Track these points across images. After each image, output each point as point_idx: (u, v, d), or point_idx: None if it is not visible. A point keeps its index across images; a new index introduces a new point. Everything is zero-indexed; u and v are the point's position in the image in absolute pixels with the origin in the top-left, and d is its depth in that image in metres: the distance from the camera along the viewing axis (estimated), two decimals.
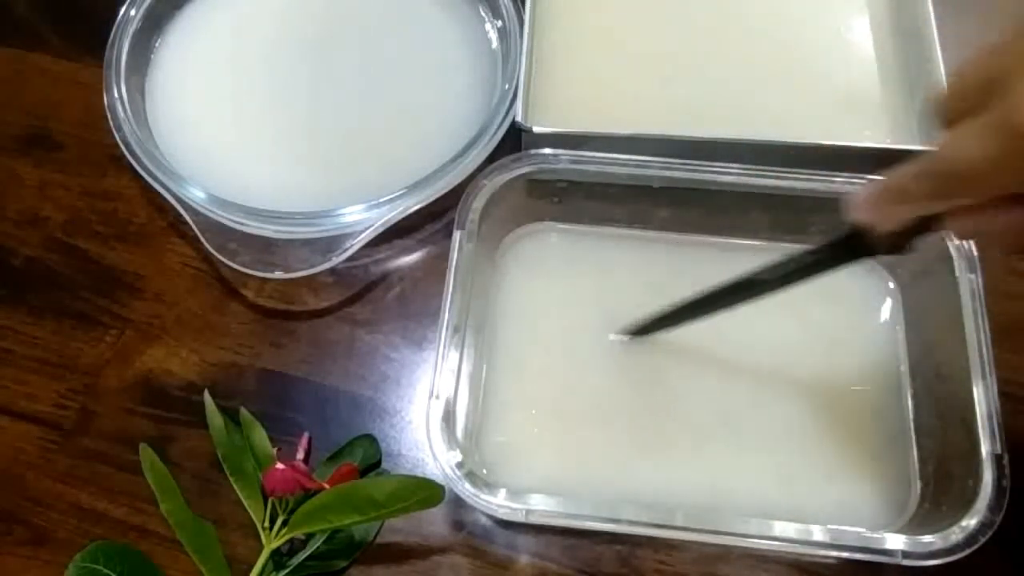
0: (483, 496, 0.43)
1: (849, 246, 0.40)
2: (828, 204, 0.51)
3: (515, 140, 0.54)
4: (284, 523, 0.45)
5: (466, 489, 0.43)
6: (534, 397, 0.50)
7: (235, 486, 0.47)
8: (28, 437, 0.51)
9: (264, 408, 0.50)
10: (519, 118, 0.52)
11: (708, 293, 0.47)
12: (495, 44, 0.61)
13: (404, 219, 0.53)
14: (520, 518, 0.43)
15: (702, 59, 0.57)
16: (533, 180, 0.52)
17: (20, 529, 0.48)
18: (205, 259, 0.56)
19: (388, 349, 0.53)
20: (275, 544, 0.45)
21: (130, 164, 0.56)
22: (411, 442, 0.50)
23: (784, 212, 0.52)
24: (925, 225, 0.36)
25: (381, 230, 0.53)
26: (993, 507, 0.41)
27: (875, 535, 0.41)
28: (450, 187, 0.54)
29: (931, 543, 0.41)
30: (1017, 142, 0.29)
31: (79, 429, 0.51)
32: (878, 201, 0.36)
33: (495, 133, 0.55)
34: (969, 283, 0.46)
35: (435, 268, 0.53)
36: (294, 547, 0.46)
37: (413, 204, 0.53)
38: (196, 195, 0.54)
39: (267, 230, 0.53)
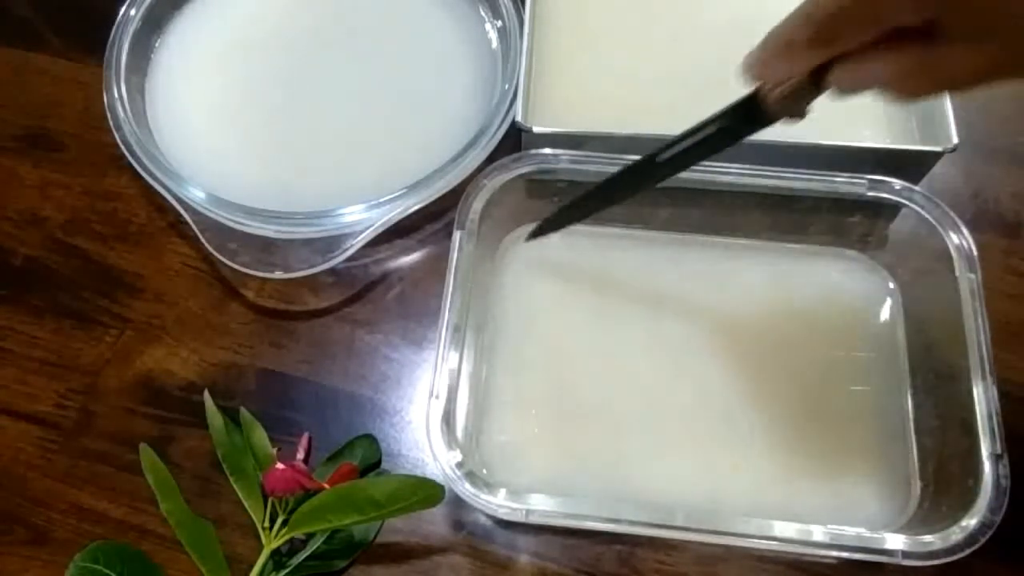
0: (483, 496, 0.43)
1: (747, 113, 0.40)
2: (828, 204, 0.51)
3: (515, 140, 0.54)
4: (284, 523, 0.45)
5: (466, 489, 0.43)
6: (534, 397, 0.50)
7: (235, 486, 0.47)
8: (28, 437, 0.51)
9: (264, 408, 0.50)
10: (519, 118, 0.52)
11: (610, 179, 0.47)
12: (495, 44, 0.61)
13: (404, 219, 0.53)
14: (520, 518, 0.43)
15: (702, 59, 0.57)
16: (533, 180, 0.52)
17: (20, 529, 0.48)
18: (205, 259, 0.56)
19: (388, 349, 0.53)
20: (275, 544, 0.45)
21: (130, 164, 0.56)
22: (411, 442, 0.50)
23: (784, 212, 0.52)
24: (815, 83, 0.36)
25: (381, 230, 0.53)
26: (993, 507, 0.41)
27: (875, 535, 0.41)
28: (450, 187, 0.54)
29: (931, 543, 0.41)
30: None
31: (79, 429, 0.51)
32: (766, 55, 0.36)
33: (495, 133, 0.55)
34: (969, 283, 0.46)
35: (435, 268, 0.54)
36: (294, 547, 0.46)
37: (413, 204, 0.53)
38: (196, 195, 0.54)
39: (267, 230, 0.53)
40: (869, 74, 0.33)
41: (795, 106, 0.38)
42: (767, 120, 0.39)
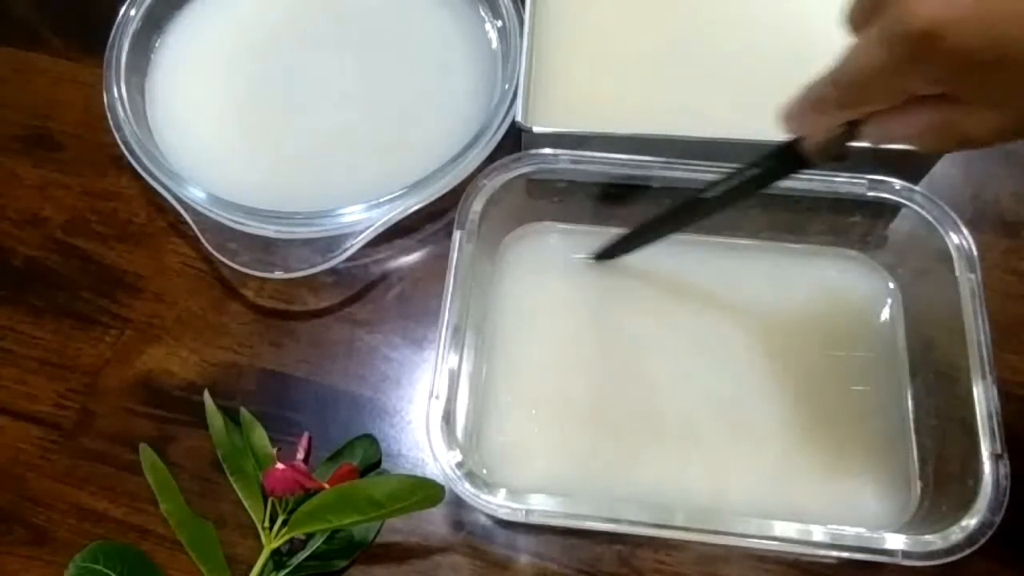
0: (483, 496, 0.43)
1: (786, 157, 0.41)
2: (828, 204, 0.51)
3: (515, 140, 0.54)
4: (284, 523, 0.45)
5: (466, 489, 0.43)
6: (534, 397, 0.50)
7: (235, 486, 0.47)
8: (28, 437, 0.51)
9: (264, 408, 0.50)
10: (519, 118, 0.52)
11: (661, 215, 0.49)
12: (495, 44, 0.61)
13: (404, 219, 0.53)
14: (520, 518, 0.43)
15: (702, 59, 0.57)
16: (533, 180, 0.52)
17: (20, 529, 0.48)
18: (205, 259, 0.56)
19: (388, 349, 0.53)
20: (275, 544, 0.45)
21: (130, 164, 0.56)
22: (411, 442, 0.50)
23: (784, 212, 0.52)
24: (849, 133, 0.37)
25: (381, 230, 0.53)
26: (993, 507, 0.41)
27: (875, 535, 0.41)
28: (450, 187, 0.54)
29: (931, 543, 0.41)
30: (902, 48, 0.31)
31: (79, 429, 0.51)
32: (800, 112, 0.38)
33: (495, 133, 0.55)
34: (969, 283, 0.46)
35: (435, 268, 0.53)
36: (294, 547, 0.46)
37: (413, 204, 0.53)
38: (196, 195, 0.54)
39: (267, 230, 0.53)
40: (896, 131, 0.35)
41: (833, 153, 0.39)
42: (808, 165, 0.41)
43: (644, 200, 0.52)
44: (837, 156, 0.39)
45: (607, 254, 0.53)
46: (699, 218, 0.49)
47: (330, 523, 0.44)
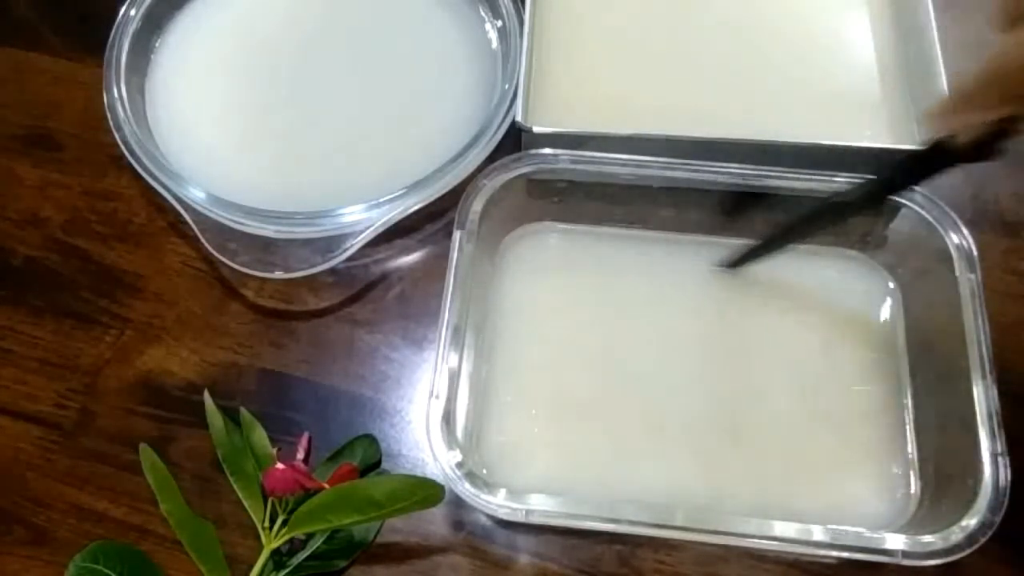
0: (483, 496, 0.43)
1: (931, 158, 0.41)
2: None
3: (515, 140, 0.54)
4: (284, 523, 0.45)
5: (466, 489, 0.43)
6: (534, 397, 0.50)
7: (235, 486, 0.47)
8: (28, 437, 0.51)
9: (264, 408, 0.50)
10: (519, 118, 0.52)
11: (792, 222, 0.48)
12: (495, 44, 0.61)
13: (404, 219, 0.53)
14: (520, 518, 0.43)
15: (702, 59, 0.57)
16: (533, 180, 0.52)
17: (20, 529, 0.48)
18: (205, 259, 0.56)
19: (388, 349, 0.53)
20: (275, 544, 0.45)
21: (130, 164, 0.56)
22: (411, 442, 0.50)
23: None
24: (1004, 129, 0.37)
25: (381, 230, 0.53)
26: (993, 507, 0.41)
27: (875, 535, 0.41)
28: (450, 187, 0.54)
29: (931, 543, 0.41)
30: None
31: (79, 429, 0.51)
32: (949, 110, 0.38)
33: (495, 133, 0.55)
34: (969, 283, 0.46)
35: (435, 268, 0.53)
36: (294, 547, 0.46)
37: (413, 204, 0.53)
38: (196, 195, 0.54)
39: (267, 230, 0.53)
40: None
41: (982, 151, 0.39)
42: (954, 164, 0.40)
43: (644, 199, 0.52)
44: (987, 154, 0.39)
45: (737, 262, 0.52)
46: (833, 224, 0.48)
47: (330, 523, 0.44)
